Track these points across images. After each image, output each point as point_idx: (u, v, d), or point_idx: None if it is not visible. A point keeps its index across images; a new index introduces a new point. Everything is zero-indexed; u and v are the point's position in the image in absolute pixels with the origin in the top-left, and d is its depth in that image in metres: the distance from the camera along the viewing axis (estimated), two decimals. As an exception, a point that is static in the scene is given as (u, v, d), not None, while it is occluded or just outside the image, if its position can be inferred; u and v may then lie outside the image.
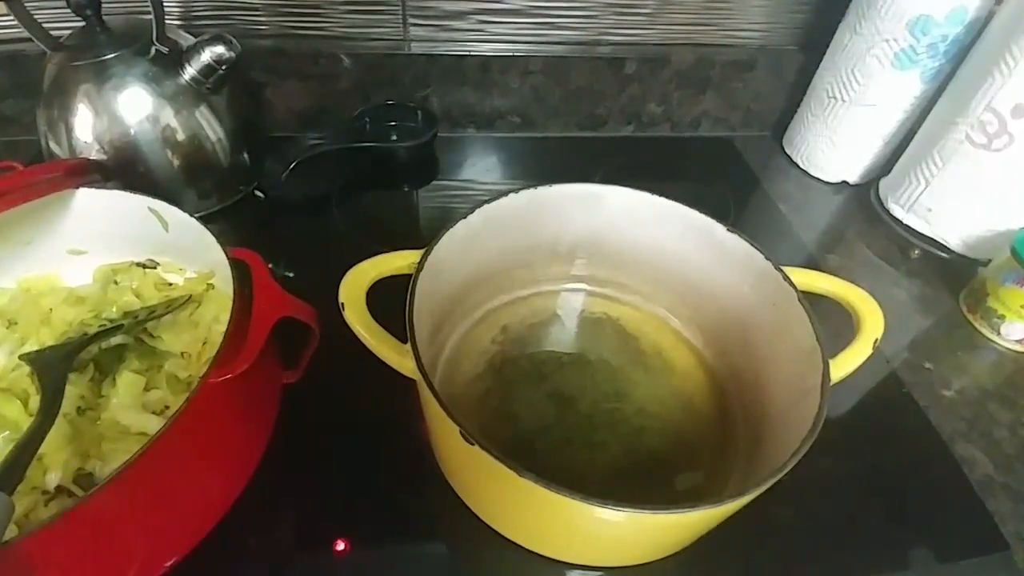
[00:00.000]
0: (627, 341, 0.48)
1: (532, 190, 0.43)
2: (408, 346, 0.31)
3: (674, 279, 0.47)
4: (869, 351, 0.37)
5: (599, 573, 0.37)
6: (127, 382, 0.38)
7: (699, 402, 0.45)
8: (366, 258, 0.36)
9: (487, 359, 0.45)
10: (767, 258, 0.40)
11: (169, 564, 0.33)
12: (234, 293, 0.34)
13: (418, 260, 0.36)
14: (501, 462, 0.26)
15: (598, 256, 0.49)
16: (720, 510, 0.28)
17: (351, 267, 0.36)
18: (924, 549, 0.40)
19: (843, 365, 0.36)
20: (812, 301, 0.38)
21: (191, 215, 0.40)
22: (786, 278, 0.39)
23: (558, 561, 0.36)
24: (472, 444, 0.27)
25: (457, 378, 0.44)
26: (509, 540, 0.37)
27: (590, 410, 0.43)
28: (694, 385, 0.46)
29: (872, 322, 0.38)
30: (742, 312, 0.43)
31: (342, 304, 0.33)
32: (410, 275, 0.36)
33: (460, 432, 0.27)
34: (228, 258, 0.36)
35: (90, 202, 0.42)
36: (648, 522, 0.29)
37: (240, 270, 0.36)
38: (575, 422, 0.42)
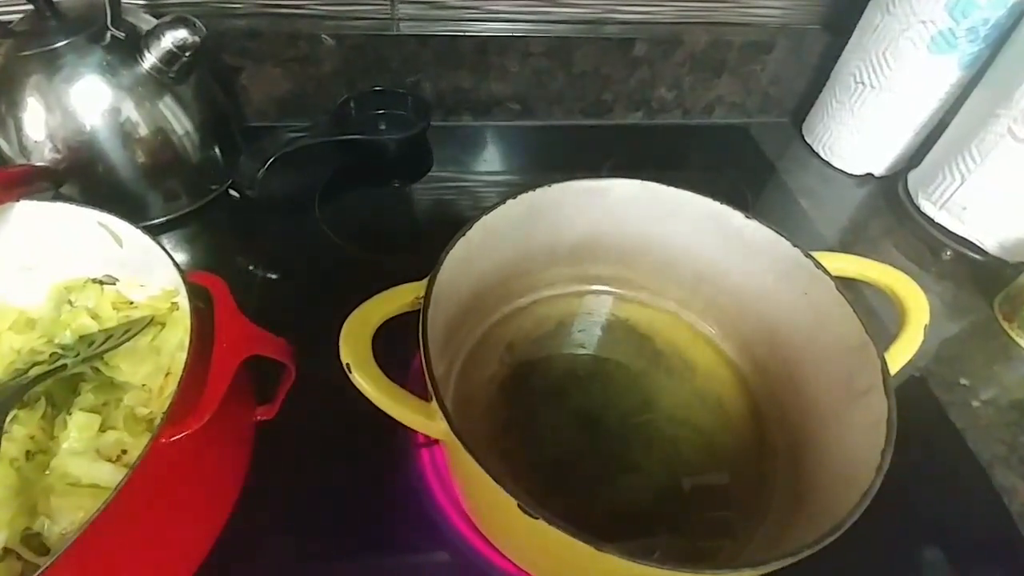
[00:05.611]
0: (641, 342, 0.45)
1: (532, 193, 0.38)
2: (434, 404, 0.27)
3: (684, 271, 0.44)
4: (920, 339, 0.34)
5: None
6: (79, 424, 0.33)
7: (728, 402, 0.42)
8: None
9: (497, 384, 0.41)
10: (795, 245, 0.36)
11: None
12: (191, 330, 0.29)
13: (422, 294, 0.31)
14: (574, 536, 0.23)
15: (600, 253, 0.44)
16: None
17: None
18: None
19: (896, 359, 0.33)
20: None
21: (156, 219, 0.35)
22: (819, 265, 0.35)
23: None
24: (536, 519, 0.24)
25: (471, 411, 0.39)
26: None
27: (620, 427, 0.40)
28: (720, 384, 0.43)
29: (918, 306, 0.35)
30: (765, 304, 0.40)
31: (347, 365, 0.28)
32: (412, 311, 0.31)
33: (519, 506, 0.24)
34: (185, 283, 0.31)
35: (34, 217, 0.37)
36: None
37: (200, 298, 0.31)
38: (607, 444, 0.39)
